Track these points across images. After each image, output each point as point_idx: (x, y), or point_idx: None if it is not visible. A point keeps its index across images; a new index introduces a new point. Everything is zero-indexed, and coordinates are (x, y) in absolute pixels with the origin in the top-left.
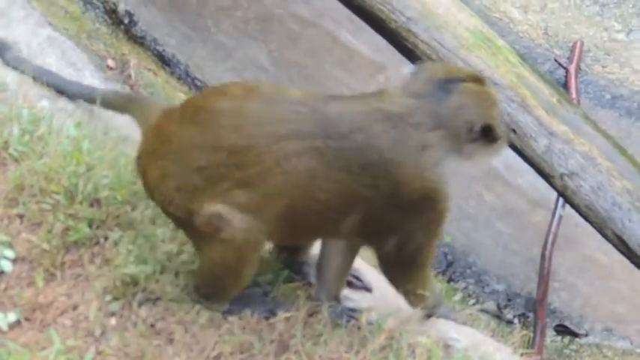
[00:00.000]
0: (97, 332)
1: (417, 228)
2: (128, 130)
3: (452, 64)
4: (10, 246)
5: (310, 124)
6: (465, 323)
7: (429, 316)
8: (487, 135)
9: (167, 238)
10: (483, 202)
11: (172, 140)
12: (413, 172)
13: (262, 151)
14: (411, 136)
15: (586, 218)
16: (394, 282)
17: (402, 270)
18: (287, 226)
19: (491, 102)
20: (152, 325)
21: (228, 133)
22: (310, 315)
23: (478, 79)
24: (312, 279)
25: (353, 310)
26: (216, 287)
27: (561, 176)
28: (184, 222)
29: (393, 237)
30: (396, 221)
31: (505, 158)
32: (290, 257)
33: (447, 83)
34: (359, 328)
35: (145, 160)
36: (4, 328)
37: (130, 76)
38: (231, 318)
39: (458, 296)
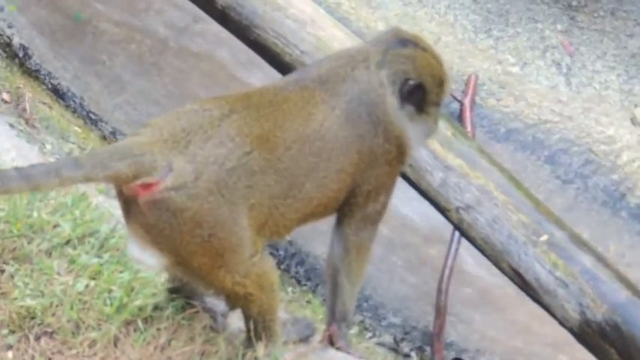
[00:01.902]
0: None
1: (389, 181)
2: (23, 162)
3: None
4: None
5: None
6: (361, 357)
7: (333, 339)
8: (419, 97)
9: (63, 270)
10: (380, 236)
11: None
12: (385, 114)
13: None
14: (371, 75)
15: (482, 251)
16: (350, 240)
17: (369, 228)
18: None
19: (437, 76)
20: (49, 359)
21: None
22: (206, 342)
23: (439, 61)
24: (209, 304)
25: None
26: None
27: (457, 209)
28: None
29: (381, 194)
30: (381, 174)
31: (399, 191)
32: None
33: (408, 41)
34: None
35: None
36: None
37: (25, 110)
38: (128, 351)
39: (354, 330)
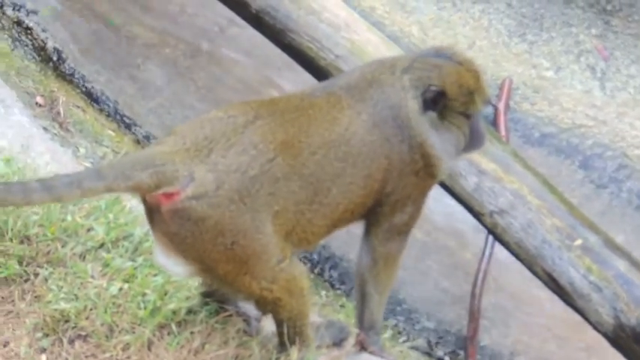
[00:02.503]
0: None
1: (417, 193)
2: (57, 166)
3: None
4: None
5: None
6: None
7: (364, 346)
8: (441, 104)
9: (97, 273)
10: (413, 240)
11: None
12: (407, 118)
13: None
14: (395, 79)
15: (516, 256)
16: (377, 251)
17: (397, 239)
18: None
19: (465, 86)
20: None
21: None
22: (239, 346)
23: (475, 74)
24: (243, 308)
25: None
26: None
27: (491, 214)
28: None
29: (408, 205)
30: (409, 185)
31: (433, 194)
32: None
33: (443, 53)
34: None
35: None
36: None
37: (59, 113)
38: (162, 355)
39: (388, 333)
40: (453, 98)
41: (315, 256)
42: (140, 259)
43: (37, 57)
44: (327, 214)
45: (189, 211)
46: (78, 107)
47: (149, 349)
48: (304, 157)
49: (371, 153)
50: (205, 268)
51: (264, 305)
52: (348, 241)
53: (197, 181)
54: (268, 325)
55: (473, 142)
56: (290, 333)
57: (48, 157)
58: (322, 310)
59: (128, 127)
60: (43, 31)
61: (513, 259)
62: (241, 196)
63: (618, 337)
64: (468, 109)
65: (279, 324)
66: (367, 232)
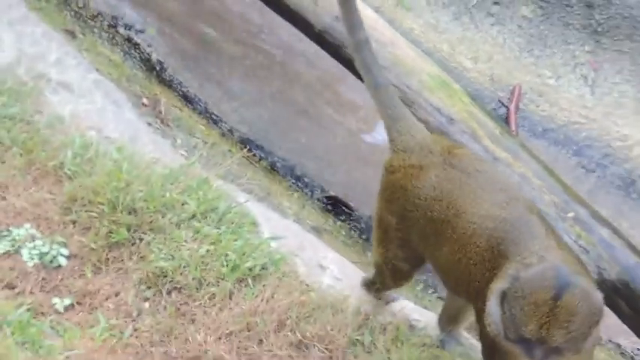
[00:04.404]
0: (134, 314)
1: None
2: (159, 153)
3: (417, 103)
4: (65, 246)
5: None
6: (425, 307)
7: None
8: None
9: (189, 239)
10: None
11: None
12: None
13: None
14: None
15: None
16: None
17: None
18: None
19: (532, 326)
20: (178, 309)
21: None
22: (302, 295)
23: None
24: None
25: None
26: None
27: None
28: None
29: None
30: None
31: None
32: None
33: (557, 287)
34: (342, 311)
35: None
36: (61, 310)
37: (160, 112)
38: (241, 303)
39: (420, 286)
40: (513, 310)
41: (363, 224)
42: (224, 227)
43: (143, 67)
44: None
45: None
46: (175, 107)
47: (230, 298)
48: None
49: None
50: None
51: None
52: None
53: None
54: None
55: (520, 347)
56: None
57: (151, 146)
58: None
59: (215, 122)
60: (149, 46)
61: None
62: None
63: (601, 289)
64: (518, 327)
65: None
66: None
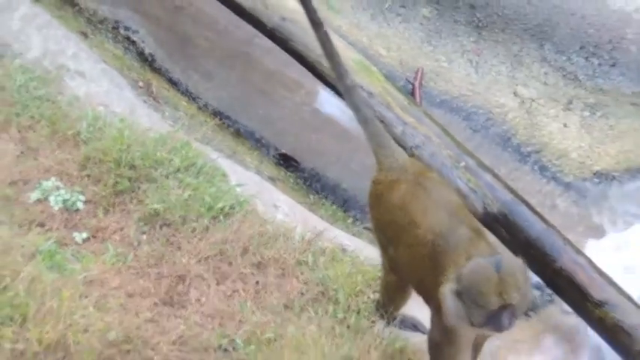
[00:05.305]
0: (135, 244)
1: None
2: (151, 123)
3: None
4: (82, 194)
5: None
6: (354, 235)
7: None
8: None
9: (175, 187)
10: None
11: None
12: None
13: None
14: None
15: None
16: None
17: None
18: None
19: (486, 293)
20: (167, 239)
21: None
22: (261, 226)
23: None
24: None
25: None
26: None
27: (411, 148)
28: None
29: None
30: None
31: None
32: None
33: (498, 264)
34: (291, 238)
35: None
36: (80, 242)
37: (152, 92)
38: (215, 234)
39: (349, 220)
40: (472, 298)
41: (307, 173)
42: (201, 178)
43: (138, 59)
44: None
45: None
46: (164, 88)
47: (207, 231)
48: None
49: None
50: None
51: None
52: (328, 163)
53: None
54: (279, 215)
55: (489, 326)
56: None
57: (146, 118)
58: (312, 207)
59: (194, 99)
60: (143, 42)
61: None
62: None
63: (486, 220)
64: (482, 305)
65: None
66: None
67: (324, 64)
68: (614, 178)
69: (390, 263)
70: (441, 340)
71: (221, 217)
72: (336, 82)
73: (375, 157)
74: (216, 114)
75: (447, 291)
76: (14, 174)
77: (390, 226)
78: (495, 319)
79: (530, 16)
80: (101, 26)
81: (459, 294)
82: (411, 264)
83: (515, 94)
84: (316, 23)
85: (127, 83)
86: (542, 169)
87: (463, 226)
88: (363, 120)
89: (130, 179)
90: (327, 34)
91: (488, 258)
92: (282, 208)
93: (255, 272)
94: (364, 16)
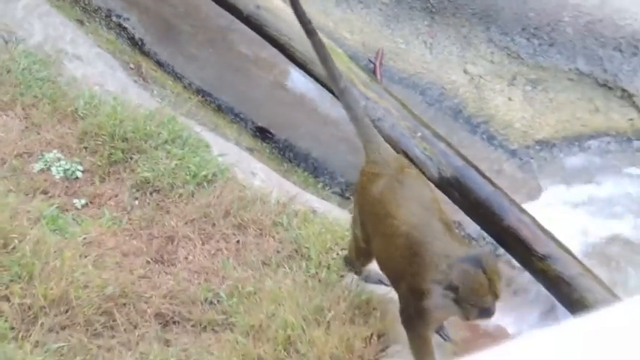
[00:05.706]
0: (128, 208)
1: None
2: (141, 101)
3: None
4: (81, 164)
5: None
6: (323, 199)
7: None
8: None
9: (164, 157)
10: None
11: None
12: None
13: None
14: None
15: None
16: None
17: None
18: None
19: (477, 291)
20: (157, 204)
21: None
22: (241, 191)
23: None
24: None
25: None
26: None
27: (373, 121)
28: None
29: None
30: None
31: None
32: None
33: (478, 260)
34: (267, 202)
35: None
36: (79, 207)
37: (142, 73)
38: (200, 199)
39: (320, 185)
40: (470, 302)
41: (280, 144)
42: (186, 149)
43: (129, 43)
44: None
45: None
46: (152, 69)
47: (192, 196)
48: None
49: None
50: None
51: None
52: (299, 135)
53: None
54: (256, 182)
55: (482, 317)
56: None
57: (136, 96)
58: (286, 174)
59: (179, 79)
60: (133, 28)
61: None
62: None
63: (441, 184)
64: (477, 304)
65: None
66: None
67: (295, 47)
68: (554, 145)
69: (365, 238)
70: (416, 317)
71: (205, 184)
72: (330, 83)
73: (364, 150)
74: (199, 92)
75: (435, 293)
76: (19, 147)
77: (369, 216)
78: (487, 310)
79: (478, 1)
80: (95, 14)
81: (452, 297)
82: (387, 252)
83: (465, 71)
84: (310, 32)
85: (119, 65)
86: (490, 138)
87: (435, 219)
88: (354, 118)
89: (123, 151)
90: (320, 41)
91: (468, 260)
92: (259, 175)
93: (236, 233)
94: (330, 3)
